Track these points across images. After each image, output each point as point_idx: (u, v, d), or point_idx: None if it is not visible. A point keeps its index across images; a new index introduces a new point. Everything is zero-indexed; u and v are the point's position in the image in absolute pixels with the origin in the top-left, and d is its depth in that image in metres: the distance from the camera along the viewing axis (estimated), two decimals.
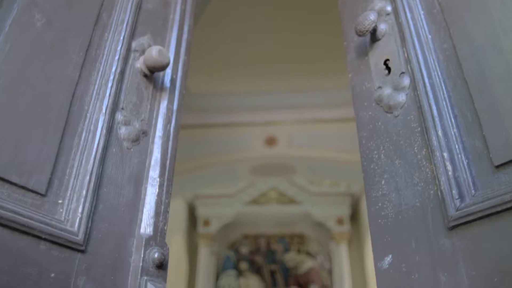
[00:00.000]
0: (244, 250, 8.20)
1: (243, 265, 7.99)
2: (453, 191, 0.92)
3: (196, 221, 8.46)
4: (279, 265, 8.14)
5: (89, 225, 1.07)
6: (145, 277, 1.09)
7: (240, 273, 7.94)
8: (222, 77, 5.11)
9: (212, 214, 8.16)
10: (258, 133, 5.20)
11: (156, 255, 1.12)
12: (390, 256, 0.98)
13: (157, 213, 1.21)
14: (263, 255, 8.26)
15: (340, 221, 8.00)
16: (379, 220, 1.05)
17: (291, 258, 8.07)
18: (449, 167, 0.95)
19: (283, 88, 5.18)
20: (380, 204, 1.07)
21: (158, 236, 1.18)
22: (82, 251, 1.04)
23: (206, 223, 8.15)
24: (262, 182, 8.27)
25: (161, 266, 1.14)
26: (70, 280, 0.99)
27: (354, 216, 8.63)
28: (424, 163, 1.02)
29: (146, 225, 1.18)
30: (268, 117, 5.21)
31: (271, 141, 5.18)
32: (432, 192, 0.98)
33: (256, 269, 8.14)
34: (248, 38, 4.51)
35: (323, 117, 5.19)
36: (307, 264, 7.90)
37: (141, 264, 1.11)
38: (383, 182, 1.08)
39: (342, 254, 7.82)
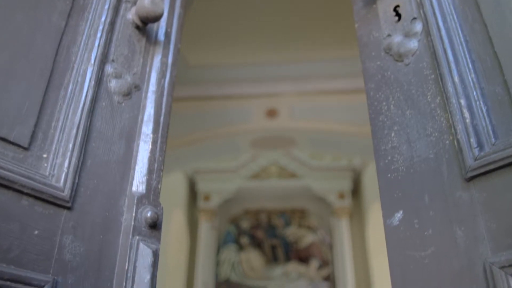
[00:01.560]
0: (245, 225, 8.18)
1: (244, 240, 7.97)
2: (471, 140, 0.84)
3: (196, 196, 8.42)
4: (280, 239, 8.13)
5: (76, 181, 0.99)
6: (137, 237, 1.02)
7: (241, 247, 7.93)
8: (221, 49, 4.99)
9: (212, 189, 8.11)
10: (259, 105, 5.10)
11: (149, 214, 1.05)
12: (401, 212, 0.91)
13: (150, 171, 1.13)
14: (264, 230, 8.24)
15: (341, 196, 7.95)
16: (389, 175, 0.98)
17: (292, 232, 8.05)
18: (467, 115, 0.87)
19: (284, 59, 5.07)
20: (389, 158, 0.99)
21: (151, 195, 1.11)
22: (68, 208, 0.96)
23: (207, 198, 8.11)
24: (262, 156, 8.21)
25: (154, 226, 1.07)
26: (56, 238, 0.92)
27: (356, 191, 8.58)
28: (439, 112, 0.94)
29: (138, 183, 1.10)
30: (269, 89, 5.11)
31: (272, 113, 5.09)
32: (447, 142, 0.90)
33: (257, 244, 8.13)
34: (248, 8, 4.39)
35: (325, 88, 5.08)
36: (308, 238, 7.88)
37: (132, 223, 1.04)
38: (393, 135, 1.00)
39: (343, 229, 7.79)
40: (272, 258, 8.04)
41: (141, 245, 1.01)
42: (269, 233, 8.22)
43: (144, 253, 1.01)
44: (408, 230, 0.89)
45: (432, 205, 0.87)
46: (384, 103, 1.06)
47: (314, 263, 7.59)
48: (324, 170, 8.05)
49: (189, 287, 8.02)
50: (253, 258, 7.82)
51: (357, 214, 8.47)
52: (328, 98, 5.13)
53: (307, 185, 8.02)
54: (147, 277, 0.98)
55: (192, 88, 5.25)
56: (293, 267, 7.66)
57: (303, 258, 7.78)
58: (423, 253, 0.84)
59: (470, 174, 0.82)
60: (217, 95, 5.23)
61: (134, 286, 0.96)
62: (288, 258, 7.92)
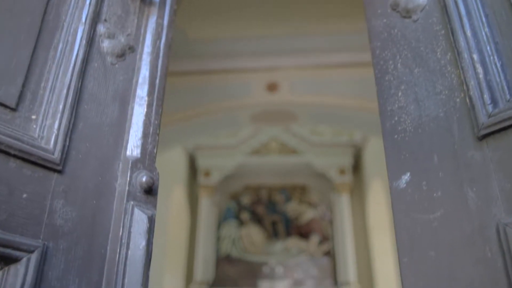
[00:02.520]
0: (245, 200, 8.18)
1: (245, 216, 7.98)
2: (485, 96, 0.79)
3: (196, 172, 8.40)
4: (281, 215, 8.13)
5: (67, 143, 0.95)
6: (132, 202, 0.98)
7: (241, 223, 7.94)
8: (221, 22, 4.89)
9: (212, 165, 8.08)
10: (259, 79, 5.03)
11: (144, 179, 1.01)
12: (408, 174, 0.86)
13: (145, 134, 1.08)
14: (264, 206, 8.24)
15: (342, 171, 7.92)
16: (395, 136, 0.93)
17: (292, 208, 8.05)
18: (480, 70, 0.81)
19: (285, 32, 4.97)
20: (396, 118, 0.94)
21: (147, 159, 1.06)
22: (59, 172, 0.92)
23: (207, 174, 8.08)
24: (263, 132, 8.16)
25: (150, 191, 1.02)
26: (46, 202, 0.88)
27: (356, 167, 8.55)
28: (449, 68, 0.89)
29: (133, 147, 1.05)
30: (269, 62, 5.02)
31: (272, 87, 5.02)
32: (458, 100, 0.85)
33: (258, 220, 8.14)
34: None
35: (326, 62, 4.99)
36: (308, 214, 7.88)
37: (127, 188, 0.99)
38: (400, 94, 0.95)
39: (343, 205, 7.78)
40: (273, 234, 8.06)
41: (136, 211, 0.97)
42: (269, 209, 8.22)
43: (139, 218, 0.97)
44: (416, 192, 0.84)
45: (442, 166, 0.82)
46: (390, 62, 1.00)
47: (314, 239, 7.61)
48: (324, 146, 8.00)
49: (190, 263, 8.06)
50: (253, 233, 7.83)
51: (357, 190, 8.46)
52: (330, 72, 5.05)
53: (307, 161, 7.99)
54: (143, 243, 0.94)
55: (192, 62, 5.17)
56: (294, 242, 7.68)
57: (304, 233, 7.79)
58: (431, 216, 0.80)
59: (483, 132, 0.77)
60: (217, 69, 5.15)
61: (129, 252, 0.92)
62: (288, 234, 7.93)
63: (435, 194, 0.81)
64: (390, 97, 0.97)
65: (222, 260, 7.59)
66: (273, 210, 8.21)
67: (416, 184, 0.85)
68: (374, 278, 7.41)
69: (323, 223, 7.86)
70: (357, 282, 7.19)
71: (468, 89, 0.82)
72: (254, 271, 7.42)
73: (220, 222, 8.01)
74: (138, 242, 0.94)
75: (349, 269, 7.25)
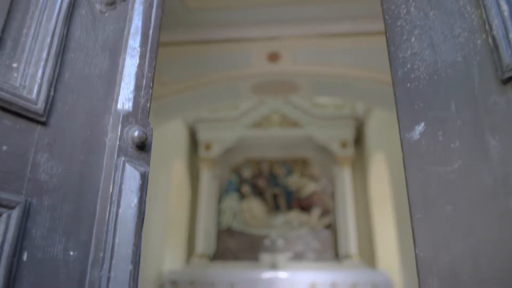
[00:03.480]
0: (246, 174, 8.13)
1: (246, 189, 7.94)
2: (510, 35, 0.71)
3: (197, 145, 8.34)
4: (282, 188, 8.10)
5: (51, 93, 0.87)
6: (123, 158, 0.91)
7: (242, 196, 7.92)
8: None
9: (213, 138, 8.01)
10: (260, 48, 4.92)
11: (136, 134, 0.94)
12: (422, 124, 0.79)
13: (137, 87, 1.01)
14: (265, 179, 8.21)
15: (343, 145, 7.85)
16: (408, 84, 0.85)
17: (293, 181, 8.01)
18: (505, 7, 0.73)
19: (287, 0, 4.85)
20: (409, 66, 0.86)
21: (139, 113, 0.99)
22: (42, 124, 0.85)
23: (208, 147, 8.02)
24: (264, 105, 8.07)
25: (143, 147, 0.95)
26: (28, 155, 0.81)
27: (358, 140, 8.49)
28: (469, 9, 0.81)
29: (124, 100, 0.98)
30: (271, 31, 4.90)
31: (274, 57, 4.91)
32: (479, 42, 0.77)
33: (259, 193, 8.11)
34: None
35: (329, 31, 4.88)
36: (310, 187, 7.85)
37: (118, 143, 0.92)
38: (413, 40, 0.87)
39: (345, 178, 7.74)
40: (274, 207, 8.04)
41: (128, 167, 0.90)
42: (270, 182, 8.18)
43: (131, 175, 0.90)
44: (430, 143, 0.77)
45: (460, 114, 0.75)
46: (403, 6, 0.92)
47: (315, 212, 7.59)
48: (326, 118, 7.92)
49: (191, 236, 8.07)
50: (254, 207, 7.81)
51: (359, 163, 8.41)
52: (332, 41, 4.94)
53: (309, 134, 7.92)
54: (134, 201, 0.88)
55: (191, 31, 5.06)
56: (295, 215, 7.66)
57: (305, 207, 7.77)
58: (448, 168, 0.73)
59: (508, 75, 0.70)
60: (217, 39, 5.04)
61: (120, 210, 0.86)
62: (289, 207, 7.91)
63: (452, 145, 0.74)
64: (402, 43, 0.89)
65: (223, 233, 7.58)
66: (274, 183, 8.18)
67: (431, 135, 0.78)
68: (375, 251, 7.42)
69: (324, 196, 7.83)
70: (357, 254, 7.19)
71: (491, 29, 0.74)
72: (255, 244, 7.43)
73: (221, 195, 7.98)
74: (130, 200, 0.87)
75: (350, 242, 7.24)
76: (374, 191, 7.76)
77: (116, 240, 0.83)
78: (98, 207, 0.87)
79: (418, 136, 0.79)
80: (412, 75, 0.85)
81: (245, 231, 7.58)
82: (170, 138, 7.26)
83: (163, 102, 5.05)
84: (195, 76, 5.01)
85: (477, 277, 0.69)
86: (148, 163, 0.96)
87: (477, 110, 0.73)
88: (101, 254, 0.82)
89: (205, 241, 7.45)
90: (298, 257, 7.27)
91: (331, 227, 7.64)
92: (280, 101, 8.06)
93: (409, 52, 0.87)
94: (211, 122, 8.01)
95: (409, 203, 0.77)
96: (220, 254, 7.38)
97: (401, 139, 0.82)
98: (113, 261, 0.82)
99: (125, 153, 0.92)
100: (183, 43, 5.13)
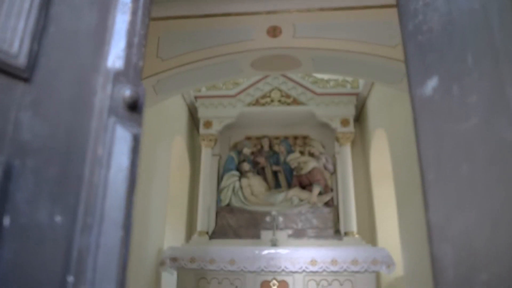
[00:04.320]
0: (247, 151, 8.08)
1: (246, 166, 7.90)
2: None
3: (197, 122, 8.28)
4: (282, 166, 8.06)
5: (35, 48, 0.81)
6: (114, 118, 0.85)
7: (242, 174, 7.88)
8: None
9: (213, 115, 7.94)
10: (261, 23, 4.81)
11: (127, 93, 0.88)
12: (436, 78, 0.73)
13: (129, 45, 0.94)
14: (266, 156, 8.16)
15: (344, 122, 7.78)
16: (419, 37, 0.79)
17: (294, 159, 7.97)
18: None
19: None
20: (420, 17, 0.80)
21: (131, 72, 0.92)
22: (25, 80, 0.79)
23: (208, 124, 7.95)
24: (265, 82, 7.98)
25: (135, 107, 0.89)
26: (9, 113, 0.75)
27: (360, 118, 8.43)
28: None
29: (115, 58, 0.92)
30: (271, 5, 4.80)
31: (274, 32, 4.81)
32: None
33: (259, 170, 8.08)
34: None
35: (331, 5, 4.77)
36: (310, 165, 7.80)
37: (108, 103, 0.86)
38: None
39: (345, 155, 7.69)
40: (274, 184, 8.01)
41: (119, 128, 0.84)
42: (271, 160, 8.14)
43: (122, 137, 0.84)
44: (444, 99, 0.71)
45: (478, 66, 0.69)
46: None
47: (316, 189, 7.56)
48: (327, 95, 7.84)
49: (191, 213, 8.07)
50: (255, 184, 7.79)
51: (360, 141, 8.37)
52: (335, 15, 4.84)
53: (310, 111, 7.85)
54: (126, 163, 0.82)
55: (189, 5, 4.96)
56: (295, 193, 7.64)
57: (305, 184, 7.74)
58: (464, 124, 0.67)
59: None
60: (216, 13, 4.94)
61: (110, 173, 0.80)
62: (290, 184, 7.89)
63: (469, 100, 0.68)
64: None
65: (223, 210, 7.57)
66: (274, 161, 8.13)
67: (445, 90, 0.72)
68: (375, 229, 7.42)
69: (325, 174, 7.80)
70: (358, 232, 7.19)
71: None
72: (255, 221, 7.42)
73: (221, 172, 7.95)
74: (121, 162, 0.82)
75: (351, 219, 7.24)
76: (375, 168, 7.73)
77: (106, 205, 0.78)
78: (86, 170, 0.81)
79: (431, 92, 0.73)
80: (424, 27, 0.78)
81: (245, 208, 7.56)
82: (170, 115, 7.20)
83: (162, 77, 4.96)
84: (195, 51, 4.91)
85: (494, 245, 0.64)
86: (140, 124, 0.90)
87: (497, 61, 0.67)
88: (90, 220, 0.77)
89: (205, 219, 7.44)
90: (298, 234, 7.27)
91: (332, 204, 7.63)
92: (281, 79, 7.97)
93: (421, 2, 0.80)
94: (211, 99, 7.93)
95: (420, 164, 0.72)
96: (220, 232, 7.38)
97: (411, 96, 0.76)
98: (103, 227, 0.76)
99: (116, 113, 0.86)
100: (182, 17, 5.03)
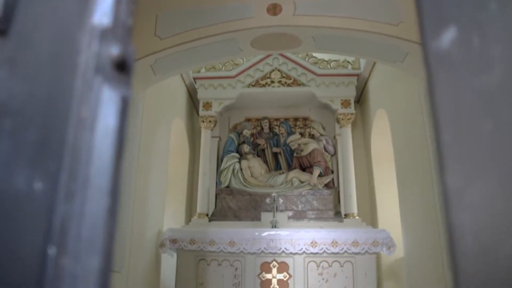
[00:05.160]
0: (247, 132, 8.01)
1: (246, 148, 7.84)
2: None
3: (196, 104, 8.20)
4: (282, 147, 8.00)
5: (11, 1, 0.74)
6: (100, 78, 0.78)
7: (242, 155, 7.82)
8: None
9: (213, 97, 7.85)
10: (260, 0, 4.72)
11: (115, 52, 0.80)
12: (454, 29, 0.66)
13: (117, 0, 0.87)
14: (266, 138, 8.10)
15: (345, 103, 7.70)
16: None
17: (294, 140, 7.90)
18: None
19: None
20: None
21: (120, 29, 0.85)
22: (1, 33, 0.71)
23: (207, 105, 7.87)
24: (265, 63, 7.89)
25: (124, 67, 0.82)
26: None
27: (360, 99, 8.35)
28: None
29: (101, 14, 0.84)
30: None
31: (274, 9, 4.71)
32: None
33: (259, 152, 8.02)
34: None
35: None
36: (311, 146, 7.73)
37: (93, 61, 0.79)
38: None
39: (346, 137, 7.62)
40: (274, 166, 7.96)
41: (105, 89, 0.77)
42: (271, 141, 8.08)
43: (109, 98, 0.77)
44: (464, 51, 0.64)
45: (502, 14, 0.62)
46: None
47: (316, 171, 7.51)
48: (328, 76, 7.75)
49: (190, 195, 8.03)
50: (255, 165, 7.73)
51: (360, 122, 8.30)
52: None
53: (310, 92, 7.76)
54: (113, 126, 0.75)
55: None
56: (295, 174, 7.59)
57: (306, 166, 7.69)
58: (487, 79, 0.61)
59: None
60: None
61: (95, 137, 0.73)
62: (290, 166, 7.83)
63: (492, 52, 0.61)
64: None
65: (223, 192, 7.52)
66: (274, 142, 8.08)
67: (464, 41, 0.64)
68: (376, 210, 7.39)
69: (325, 155, 7.74)
70: (358, 213, 7.16)
71: None
72: (255, 203, 7.38)
73: (221, 154, 7.89)
74: (108, 125, 0.75)
75: (351, 201, 7.20)
76: (376, 150, 7.67)
77: (91, 170, 0.71)
78: (69, 133, 0.74)
79: (448, 44, 0.65)
80: None
81: (245, 190, 7.52)
82: (169, 97, 7.12)
83: (160, 56, 4.87)
84: (193, 30, 4.82)
85: None
86: (129, 86, 0.83)
87: None
88: (73, 186, 0.70)
89: (205, 200, 7.41)
90: (299, 216, 7.24)
91: (332, 186, 7.59)
92: (281, 59, 7.87)
93: None
94: (210, 80, 7.84)
95: (436, 125, 0.65)
96: (220, 213, 7.35)
97: (424, 49, 0.68)
98: (87, 194, 0.70)
99: (103, 73, 0.79)
100: None
